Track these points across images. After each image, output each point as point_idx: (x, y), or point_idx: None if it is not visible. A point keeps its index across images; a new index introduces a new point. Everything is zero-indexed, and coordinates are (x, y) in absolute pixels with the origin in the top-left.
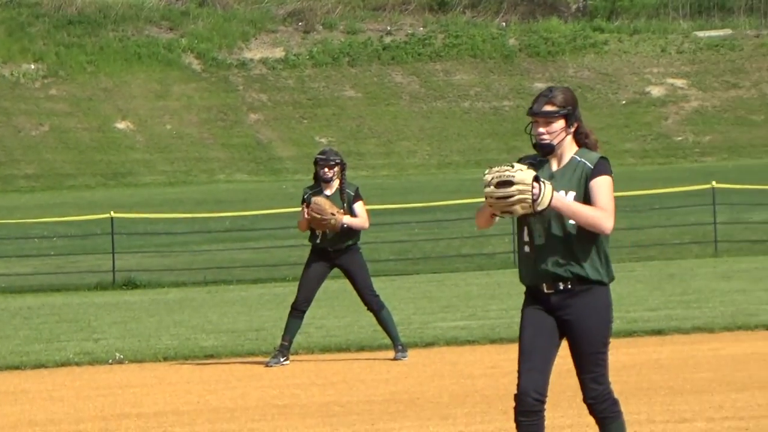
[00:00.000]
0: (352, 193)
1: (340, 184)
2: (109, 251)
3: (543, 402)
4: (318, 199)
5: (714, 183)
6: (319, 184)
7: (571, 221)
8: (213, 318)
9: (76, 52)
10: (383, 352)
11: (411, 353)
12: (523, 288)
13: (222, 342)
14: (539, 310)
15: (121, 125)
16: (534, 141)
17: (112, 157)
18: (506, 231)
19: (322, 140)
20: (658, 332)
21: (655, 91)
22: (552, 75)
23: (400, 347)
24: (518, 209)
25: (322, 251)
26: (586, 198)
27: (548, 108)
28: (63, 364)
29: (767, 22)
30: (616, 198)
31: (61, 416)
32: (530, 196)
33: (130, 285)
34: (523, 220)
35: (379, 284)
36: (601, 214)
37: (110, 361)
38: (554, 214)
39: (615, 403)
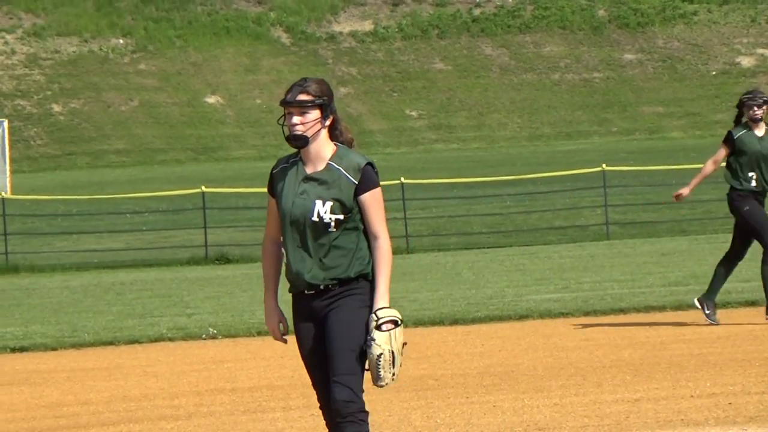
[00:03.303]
0: None
1: None
2: (201, 226)
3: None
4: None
5: None
6: None
7: (332, 230)
8: None
9: (165, 27)
10: (477, 325)
11: (505, 326)
12: None
13: None
14: (305, 325)
15: (210, 100)
16: (287, 133)
17: (202, 131)
18: (598, 203)
19: (413, 113)
20: (752, 303)
21: (746, 62)
22: (642, 46)
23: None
24: (400, 337)
25: None
26: (351, 205)
27: (303, 97)
28: (156, 340)
29: None
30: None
31: (156, 391)
32: (394, 331)
33: (223, 260)
34: (285, 228)
35: (471, 257)
36: (384, 253)
37: (204, 336)
38: (309, 223)
39: (362, 413)
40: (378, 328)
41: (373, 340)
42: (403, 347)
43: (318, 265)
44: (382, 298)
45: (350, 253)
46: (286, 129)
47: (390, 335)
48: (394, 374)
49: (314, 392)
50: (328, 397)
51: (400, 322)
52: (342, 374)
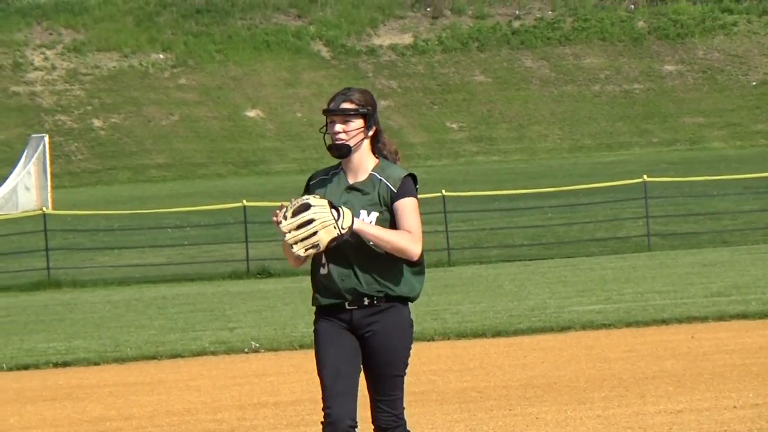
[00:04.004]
0: None
1: None
2: (243, 240)
3: (355, 428)
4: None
5: None
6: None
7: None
8: None
9: (205, 41)
10: (519, 337)
11: (547, 338)
12: None
13: None
14: (339, 328)
15: (251, 113)
16: (329, 142)
17: (243, 145)
18: (639, 214)
19: (453, 126)
20: None
21: None
22: (681, 57)
23: None
24: (323, 235)
25: None
26: (392, 220)
27: (346, 105)
28: (199, 354)
29: None
30: (746, 180)
31: (198, 406)
32: (331, 218)
33: (264, 273)
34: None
35: (513, 269)
36: (408, 238)
37: (246, 350)
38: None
39: None
40: (332, 205)
41: (314, 197)
42: (312, 244)
43: (363, 277)
44: (362, 223)
45: (395, 269)
46: (328, 138)
47: (327, 211)
48: (288, 229)
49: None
50: (341, 410)
51: (335, 226)
52: (385, 398)
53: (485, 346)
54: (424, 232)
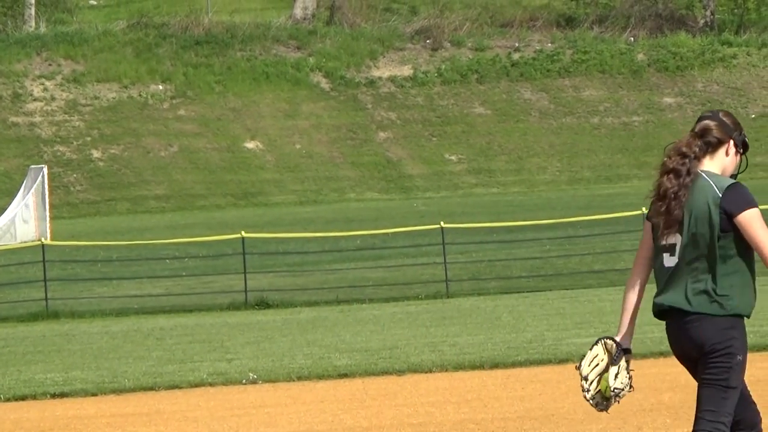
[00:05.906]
0: None
1: None
2: (241, 271)
3: None
4: None
5: None
6: None
7: None
8: (346, 337)
9: (204, 73)
10: (517, 369)
11: (545, 370)
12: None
13: (355, 361)
14: None
15: (250, 145)
16: (744, 169)
17: (241, 176)
18: (638, 247)
19: (452, 158)
20: None
21: None
22: (681, 89)
23: None
24: None
25: None
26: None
27: None
28: (197, 385)
29: None
30: None
31: None
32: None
33: (263, 305)
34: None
35: (511, 301)
36: None
37: (244, 381)
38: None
39: None
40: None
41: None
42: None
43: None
44: None
45: None
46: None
47: None
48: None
49: None
50: None
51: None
52: None
53: (483, 378)
54: (422, 264)
